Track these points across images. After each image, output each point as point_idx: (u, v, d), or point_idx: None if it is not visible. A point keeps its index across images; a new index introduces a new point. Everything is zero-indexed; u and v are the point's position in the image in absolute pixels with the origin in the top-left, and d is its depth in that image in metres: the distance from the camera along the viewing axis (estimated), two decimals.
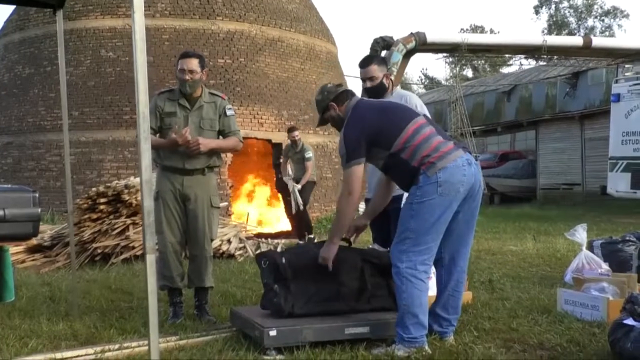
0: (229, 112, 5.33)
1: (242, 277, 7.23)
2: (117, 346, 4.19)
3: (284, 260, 4.36)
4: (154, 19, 16.05)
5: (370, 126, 4.11)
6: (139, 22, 2.48)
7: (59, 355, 3.99)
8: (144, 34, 2.54)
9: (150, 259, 2.50)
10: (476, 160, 4.29)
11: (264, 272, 4.50)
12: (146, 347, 4.09)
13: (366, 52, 17.29)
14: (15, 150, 16.49)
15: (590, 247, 6.63)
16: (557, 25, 50.54)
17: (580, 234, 6.25)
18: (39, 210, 2.81)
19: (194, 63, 5.09)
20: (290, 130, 11.26)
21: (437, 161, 3.99)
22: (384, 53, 17.29)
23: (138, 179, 9.99)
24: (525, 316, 5.01)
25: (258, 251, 9.04)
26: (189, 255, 5.36)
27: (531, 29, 75.42)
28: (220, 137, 5.32)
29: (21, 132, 16.50)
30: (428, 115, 4.61)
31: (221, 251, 9.01)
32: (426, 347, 4.01)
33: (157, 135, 5.23)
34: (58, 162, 15.14)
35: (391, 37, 17.20)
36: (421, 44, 16.83)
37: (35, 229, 2.87)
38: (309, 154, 11.05)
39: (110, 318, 5.08)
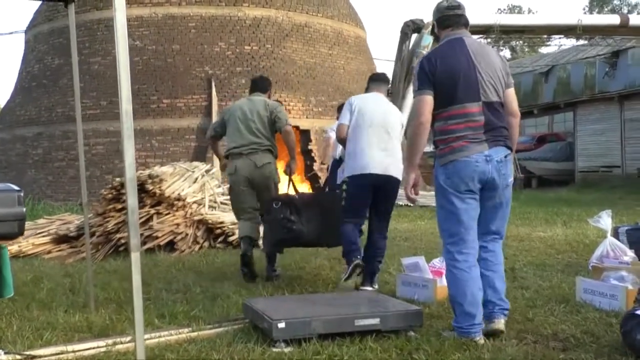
0: None
1: (263, 264, 7.25)
2: (128, 339, 4.26)
3: (297, 197, 6.20)
4: (180, 7, 16.18)
5: (436, 78, 4.11)
6: (121, 20, 2.50)
7: (70, 347, 4.08)
8: (125, 32, 2.56)
9: (135, 256, 2.54)
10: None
11: (277, 211, 6.01)
12: (156, 340, 4.19)
13: (396, 35, 17.21)
14: (46, 141, 16.79)
15: (615, 234, 6.54)
16: (598, 3, 49.51)
17: (605, 220, 6.15)
18: (24, 209, 2.87)
19: None
20: None
21: (450, 153, 4.05)
22: (414, 36, 17.20)
23: (163, 169, 10.16)
24: (543, 306, 4.98)
25: None
26: None
27: (571, 8, 73.99)
28: None
29: (51, 123, 16.79)
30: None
31: None
32: (477, 338, 4.03)
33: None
34: (87, 152, 15.41)
35: (421, 20, 17.10)
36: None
37: (20, 228, 2.93)
38: None
39: (126, 310, 5.16)
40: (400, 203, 8.60)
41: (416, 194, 4.27)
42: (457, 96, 4.08)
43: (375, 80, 6.43)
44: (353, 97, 6.27)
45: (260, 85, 7.07)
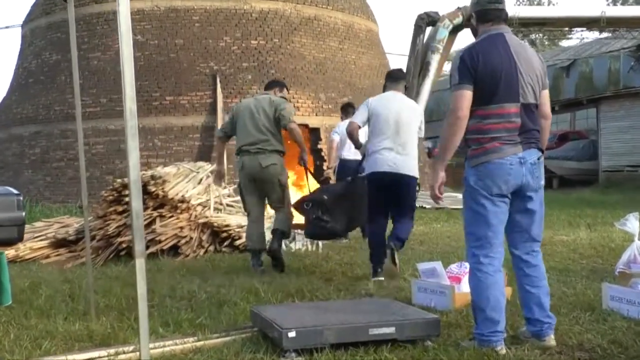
0: None
1: (270, 271, 7.25)
2: (131, 348, 4.24)
3: (325, 197, 6.66)
4: (184, 0, 16.18)
5: (477, 74, 4.08)
6: (124, 13, 2.47)
7: (70, 357, 4.08)
8: (129, 28, 2.54)
9: (140, 263, 2.52)
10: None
11: (309, 211, 6.62)
12: (160, 350, 4.18)
13: (410, 29, 17.18)
14: (43, 140, 16.82)
15: None
16: None
17: (632, 223, 6.09)
18: (24, 214, 2.86)
19: None
20: None
21: (482, 154, 4.06)
22: (429, 29, 17.18)
23: (166, 169, 10.16)
24: (567, 314, 4.95)
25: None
26: None
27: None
28: None
29: (49, 121, 16.82)
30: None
31: None
32: (498, 347, 4.01)
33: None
34: (87, 152, 15.41)
35: (436, 13, 17.10)
36: (469, 19, 16.65)
37: (20, 233, 2.93)
38: None
39: (128, 318, 5.15)
40: (416, 204, 8.55)
41: (441, 193, 4.29)
42: (497, 95, 4.08)
43: (393, 79, 6.83)
44: (370, 98, 6.80)
45: (266, 86, 7.86)
